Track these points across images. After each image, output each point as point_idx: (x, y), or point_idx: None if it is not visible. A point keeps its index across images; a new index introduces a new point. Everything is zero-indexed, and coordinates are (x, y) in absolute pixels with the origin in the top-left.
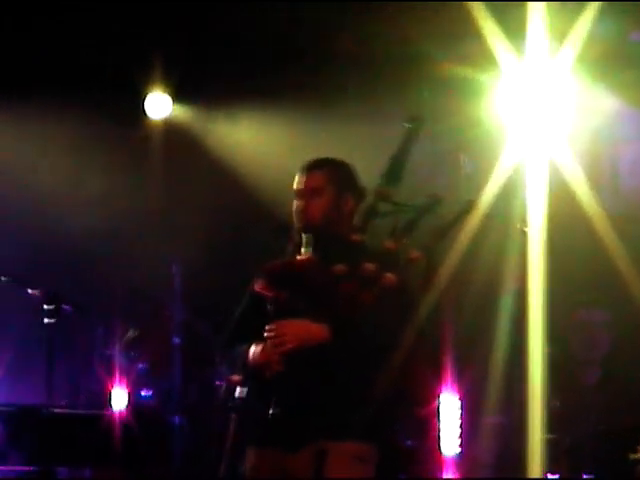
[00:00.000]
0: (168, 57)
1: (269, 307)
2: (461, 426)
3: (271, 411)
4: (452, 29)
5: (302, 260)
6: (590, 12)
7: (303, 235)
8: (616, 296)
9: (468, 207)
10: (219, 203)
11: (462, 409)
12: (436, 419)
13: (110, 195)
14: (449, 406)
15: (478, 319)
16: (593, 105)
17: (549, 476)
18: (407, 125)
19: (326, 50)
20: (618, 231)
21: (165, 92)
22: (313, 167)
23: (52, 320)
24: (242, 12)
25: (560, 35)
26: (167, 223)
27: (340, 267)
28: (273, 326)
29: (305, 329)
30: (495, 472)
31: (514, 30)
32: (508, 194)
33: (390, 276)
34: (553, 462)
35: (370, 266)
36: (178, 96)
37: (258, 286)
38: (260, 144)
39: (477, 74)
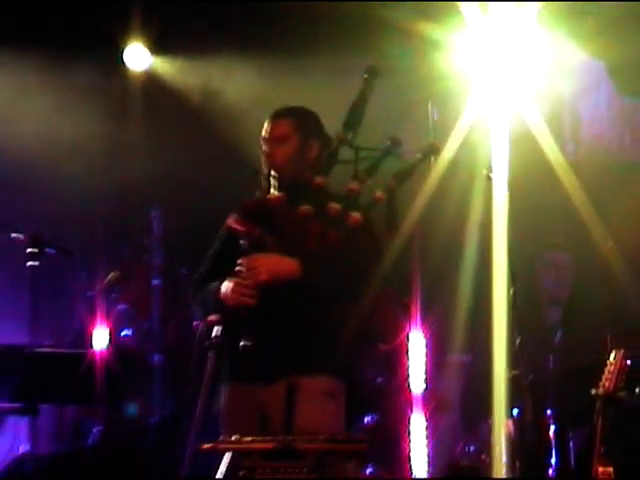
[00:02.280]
0: (146, 10)
1: (241, 242)
2: (427, 364)
3: (242, 343)
4: None
5: (272, 198)
6: None
7: (270, 179)
8: (578, 240)
9: (430, 150)
10: (196, 150)
11: (428, 348)
12: (405, 357)
13: (90, 141)
14: (416, 344)
15: (444, 260)
16: (555, 56)
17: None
18: (365, 76)
19: (296, 5)
20: (579, 177)
21: (144, 44)
22: (280, 115)
23: (35, 263)
24: None
25: None
26: (147, 169)
27: (306, 207)
28: (245, 260)
29: (276, 263)
30: (460, 408)
31: None
32: (473, 141)
33: (356, 215)
34: (516, 398)
35: (335, 206)
36: (156, 48)
37: (231, 221)
38: (234, 94)
39: (443, 28)
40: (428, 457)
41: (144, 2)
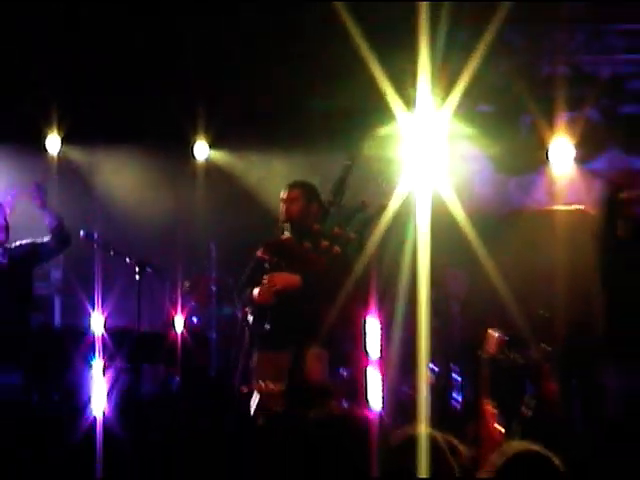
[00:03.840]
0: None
1: (266, 266)
2: (381, 338)
3: (267, 327)
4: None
5: (285, 238)
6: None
7: (285, 225)
8: (470, 261)
9: (382, 209)
10: (241, 214)
11: (382, 327)
12: (364, 333)
13: (172, 209)
14: (372, 325)
15: (391, 273)
16: (460, 149)
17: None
18: (346, 162)
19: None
20: (472, 221)
21: (206, 140)
22: (293, 185)
23: (139, 277)
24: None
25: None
26: (207, 225)
27: (307, 244)
28: (267, 277)
29: (286, 279)
30: (400, 368)
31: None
32: (409, 203)
33: (337, 248)
34: (434, 358)
35: (325, 243)
36: (215, 143)
37: (260, 252)
38: (264, 176)
39: (390, 130)
40: (381, 396)
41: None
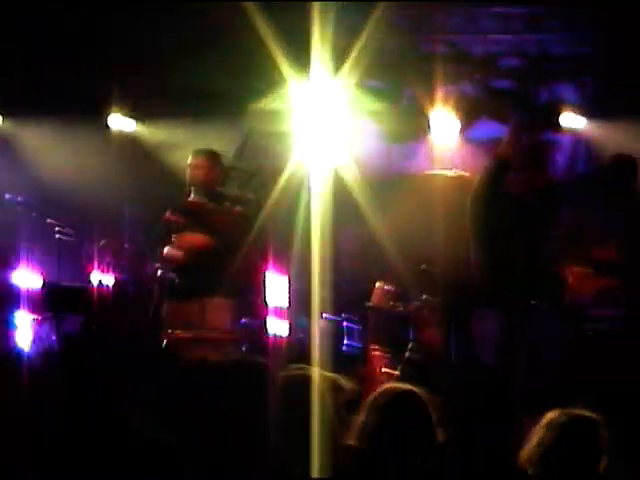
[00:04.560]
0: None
1: (175, 227)
2: (280, 290)
3: (176, 281)
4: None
5: (192, 201)
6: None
7: (192, 189)
8: (359, 220)
9: (278, 172)
10: (153, 180)
11: (280, 280)
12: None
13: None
14: (272, 278)
15: (288, 231)
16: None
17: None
18: (246, 131)
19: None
20: (361, 184)
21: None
22: (199, 153)
23: (60, 236)
24: None
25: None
26: (122, 190)
27: (211, 205)
28: (176, 236)
29: (194, 237)
30: (296, 317)
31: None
32: (303, 168)
33: (239, 208)
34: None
35: (228, 204)
36: (129, 114)
37: (168, 214)
38: (173, 144)
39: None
40: (280, 342)
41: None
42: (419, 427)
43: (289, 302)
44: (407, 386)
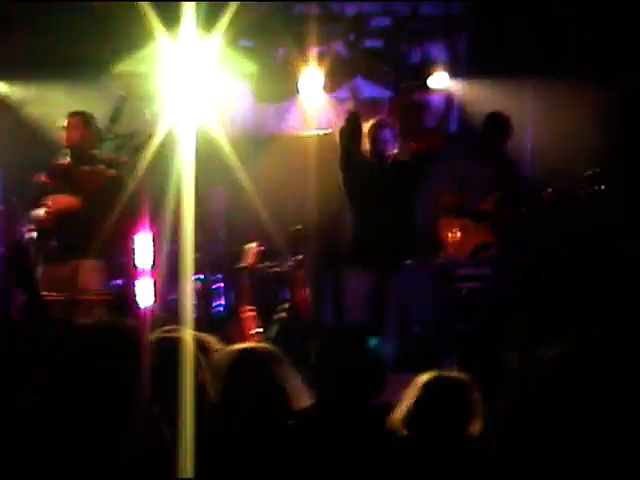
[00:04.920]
0: None
1: (48, 189)
2: (152, 251)
3: (51, 243)
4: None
5: (65, 163)
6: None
7: (65, 151)
8: (231, 181)
9: (150, 135)
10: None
11: (153, 241)
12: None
13: None
14: (144, 240)
15: (160, 192)
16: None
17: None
18: (121, 93)
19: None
20: (233, 145)
21: None
22: (72, 115)
23: None
24: None
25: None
26: None
27: (85, 168)
28: (49, 198)
29: (66, 199)
30: (168, 278)
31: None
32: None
33: (111, 171)
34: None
35: (101, 167)
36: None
37: (42, 177)
38: (46, 105)
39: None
40: (152, 304)
41: None
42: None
43: (159, 263)
44: (455, 373)
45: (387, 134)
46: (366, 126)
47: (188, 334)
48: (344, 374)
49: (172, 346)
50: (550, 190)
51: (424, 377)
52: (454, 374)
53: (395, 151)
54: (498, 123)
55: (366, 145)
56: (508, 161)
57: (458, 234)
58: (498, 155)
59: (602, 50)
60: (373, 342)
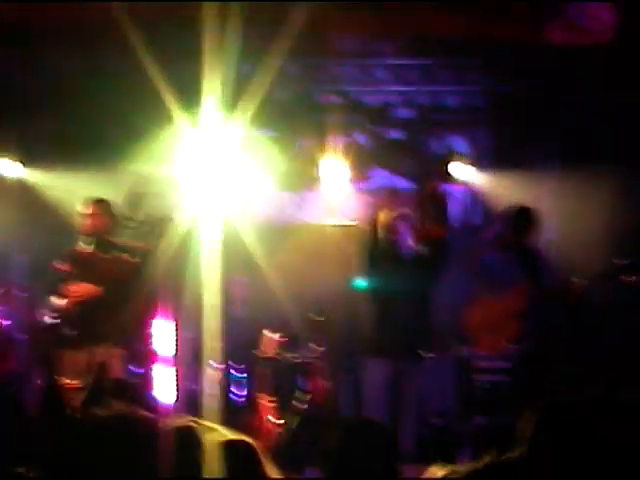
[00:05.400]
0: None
1: (67, 276)
2: (172, 338)
3: (68, 331)
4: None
5: (85, 250)
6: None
7: (84, 238)
8: (252, 269)
9: (172, 223)
10: (47, 228)
11: (172, 329)
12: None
13: None
14: (163, 326)
15: (181, 282)
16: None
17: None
18: (141, 179)
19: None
20: (253, 233)
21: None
22: (93, 202)
23: None
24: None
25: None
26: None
27: (105, 255)
28: (65, 285)
29: (81, 287)
30: (188, 365)
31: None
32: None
33: (127, 257)
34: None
35: (117, 253)
36: (23, 162)
37: (61, 264)
38: (67, 192)
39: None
40: (170, 392)
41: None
42: None
43: (178, 350)
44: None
45: (405, 227)
46: (386, 217)
47: (207, 426)
48: (358, 468)
49: (190, 438)
50: (576, 281)
51: (439, 473)
52: (468, 467)
53: (412, 244)
54: (524, 218)
55: (383, 236)
56: (533, 255)
57: (483, 328)
58: (523, 250)
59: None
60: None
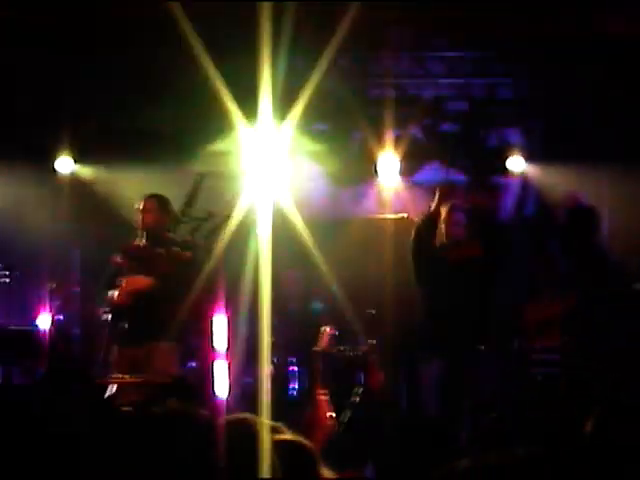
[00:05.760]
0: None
1: (123, 270)
2: (228, 334)
3: (124, 325)
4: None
5: (141, 245)
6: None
7: (141, 233)
8: (307, 264)
9: (227, 218)
10: (102, 223)
11: (228, 324)
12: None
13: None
14: (220, 322)
15: (237, 275)
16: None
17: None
18: (196, 176)
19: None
20: (309, 228)
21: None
22: (148, 197)
23: (10, 280)
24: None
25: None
26: (71, 233)
27: (160, 250)
28: (124, 280)
29: (141, 281)
30: (244, 360)
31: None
32: (251, 213)
33: (187, 253)
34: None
35: (177, 249)
36: (78, 158)
37: (117, 258)
38: (123, 188)
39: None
40: (227, 387)
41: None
42: None
43: (237, 346)
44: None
45: (459, 217)
46: (442, 210)
47: (262, 422)
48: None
49: (246, 435)
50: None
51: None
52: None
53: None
54: (588, 218)
55: (441, 228)
56: (593, 257)
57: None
58: (583, 251)
59: None
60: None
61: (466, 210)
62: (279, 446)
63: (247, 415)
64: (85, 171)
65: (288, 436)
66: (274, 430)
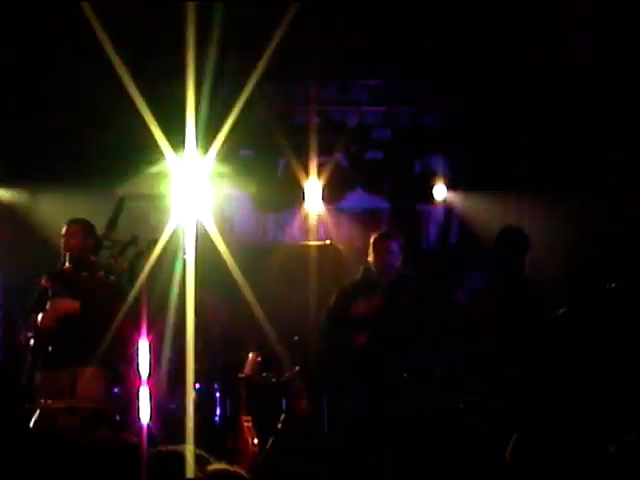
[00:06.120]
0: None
1: (49, 293)
2: (151, 359)
3: (49, 348)
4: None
5: (66, 268)
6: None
7: (65, 257)
8: (230, 289)
9: (152, 242)
10: (27, 248)
11: (152, 349)
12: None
13: None
14: (144, 347)
15: (161, 300)
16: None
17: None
18: (119, 199)
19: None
20: (232, 253)
21: None
22: (73, 222)
23: None
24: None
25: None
26: None
27: (84, 274)
28: (49, 303)
29: (66, 304)
30: (168, 386)
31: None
32: (177, 238)
33: (111, 278)
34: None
35: (100, 273)
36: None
37: (42, 281)
38: (48, 212)
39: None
40: (151, 413)
41: None
42: None
43: (161, 371)
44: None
45: (394, 246)
46: (371, 238)
47: (188, 450)
48: None
49: (173, 463)
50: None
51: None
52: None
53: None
54: (516, 240)
55: (370, 257)
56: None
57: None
58: (508, 273)
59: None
60: None
61: (398, 238)
62: (213, 476)
63: (178, 447)
64: (6, 195)
65: (221, 465)
66: (203, 460)
